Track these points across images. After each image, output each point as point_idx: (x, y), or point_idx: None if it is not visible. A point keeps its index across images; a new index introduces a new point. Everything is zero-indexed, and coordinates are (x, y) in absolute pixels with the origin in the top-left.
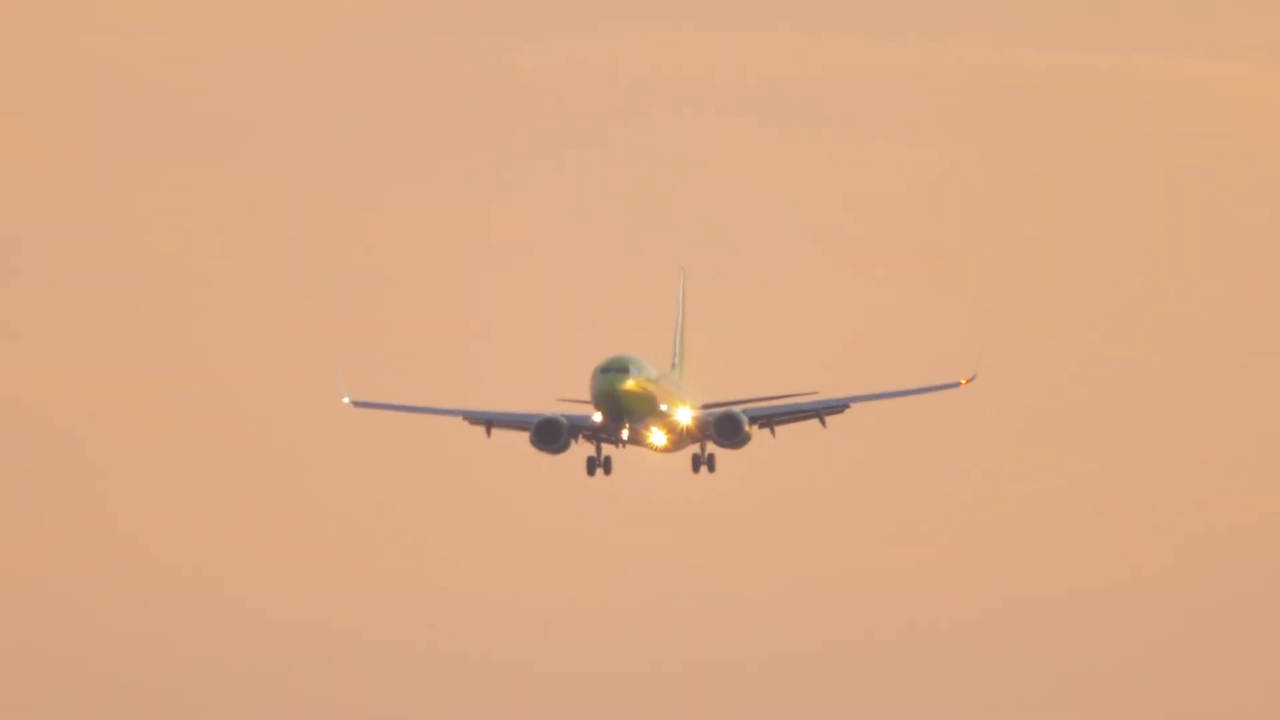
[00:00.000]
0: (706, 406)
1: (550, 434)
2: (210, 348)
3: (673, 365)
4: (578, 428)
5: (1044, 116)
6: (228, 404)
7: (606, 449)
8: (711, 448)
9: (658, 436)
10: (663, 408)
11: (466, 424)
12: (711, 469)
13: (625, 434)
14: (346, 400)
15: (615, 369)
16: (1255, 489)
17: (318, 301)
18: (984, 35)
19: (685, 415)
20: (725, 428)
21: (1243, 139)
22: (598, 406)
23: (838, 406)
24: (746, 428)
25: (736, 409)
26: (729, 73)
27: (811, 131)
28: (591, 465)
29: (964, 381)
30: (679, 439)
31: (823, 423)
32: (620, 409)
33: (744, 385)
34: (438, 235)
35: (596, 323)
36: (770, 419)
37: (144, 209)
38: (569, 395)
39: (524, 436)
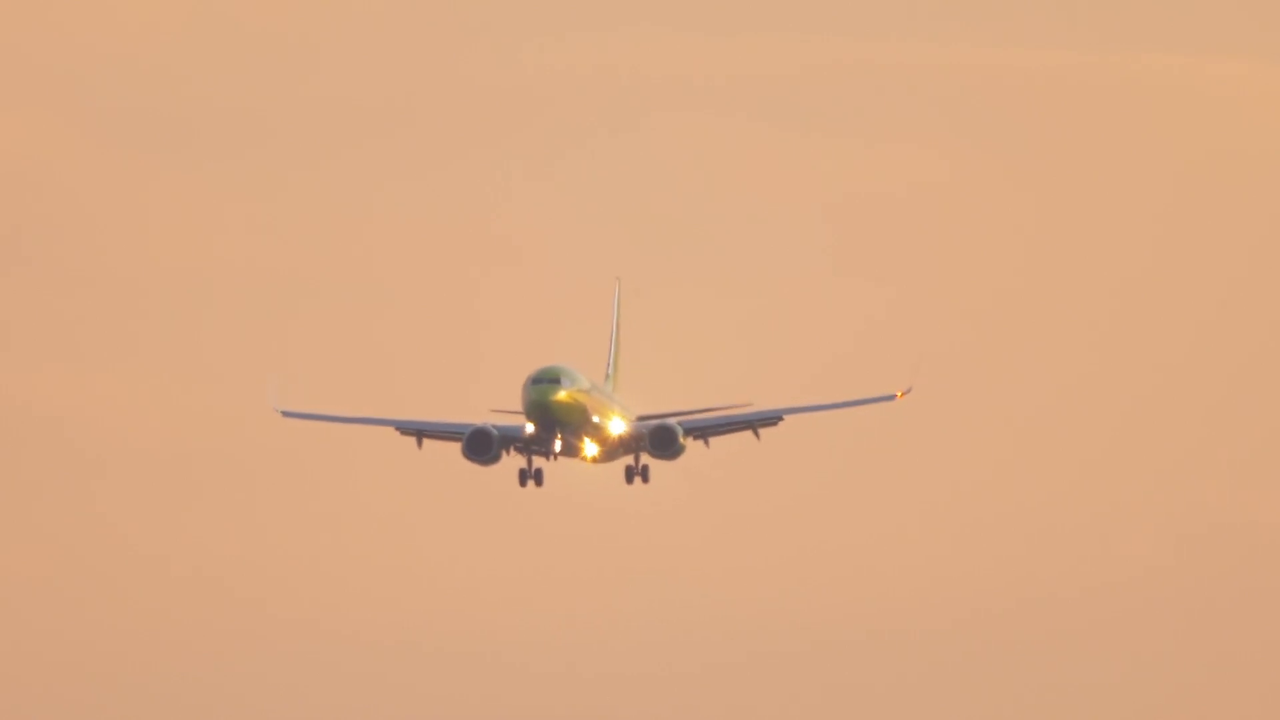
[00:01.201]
0: (641, 418)
1: (481, 445)
2: (141, 354)
3: (607, 376)
4: (509, 439)
5: (1028, 117)
6: (156, 412)
7: (538, 460)
8: (645, 459)
9: (590, 448)
10: (595, 419)
11: (398, 435)
12: (645, 480)
13: (557, 445)
14: (277, 410)
15: (546, 380)
16: (1209, 498)
17: (251, 310)
18: (978, 35)
19: (618, 426)
20: (659, 439)
21: (1243, 139)
22: (529, 418)
23: (771, 419)
24: (681, 439)
25: (671, 420)
26: (695, 73)
27: (765, 135)
28: (523, 477)
29: (899, 394)
30: (612, 450)
31: (756, 435)
32: (552, 420)
33: (679, 396)
34: (371, 245)
35: (532, 332)
36: (704, 431)
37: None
38: (503, 406)
39: (456, 447)
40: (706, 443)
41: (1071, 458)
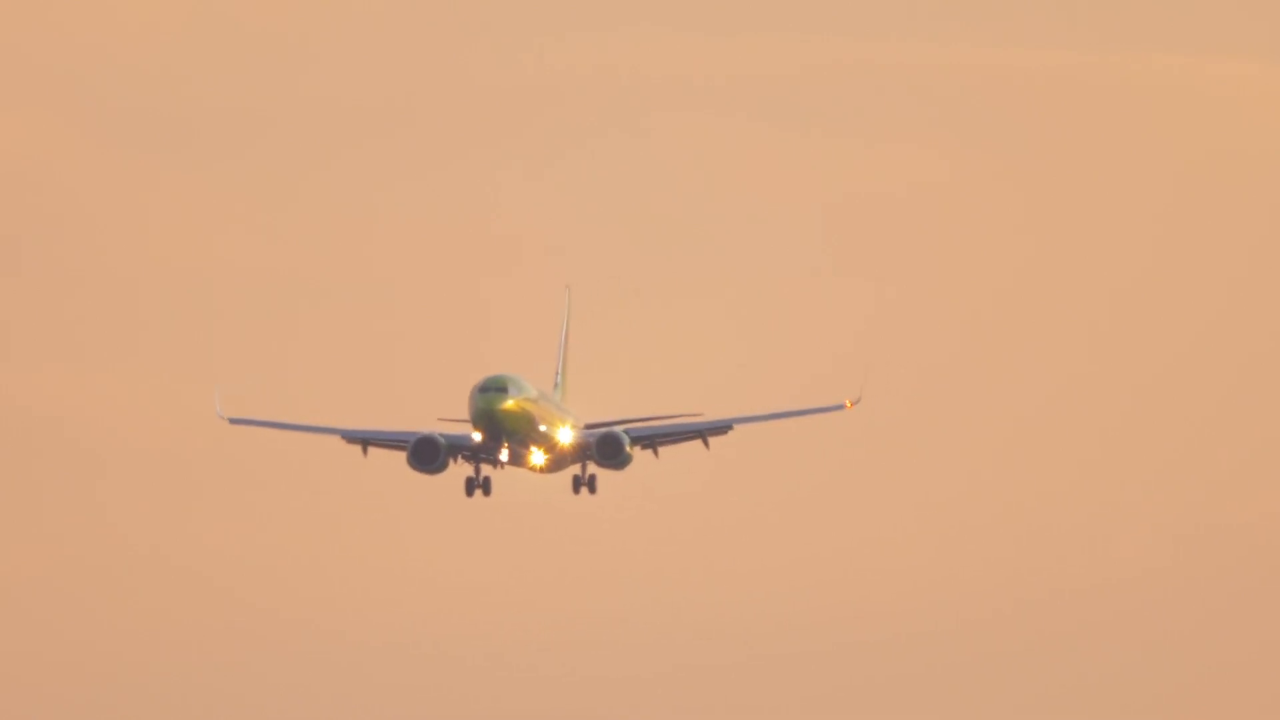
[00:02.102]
0: (589, 426)
1: (428, 454)
2: (91, 358)
3: (555, 384)
4: (456, 448)
5: (1028, 117)
6: (103, 417)
7: (486, 469)
8: (593, 468)
9: (537, 457)
10: (542, 428)
11: (343, 443)
12: (592, 490)
13: (504, 454)
14: (223, 417)
15: (493, 388)
16: (1201, 500)
17: (198, 317)
18: (978, 35)
19: (566, 435)
20: (606, 448)
21: (1243, 139)
22: (476, 426)
23: (721, 428)
24: (628, 448)
25: (618, 429)
26: (695, 73)
27: (764, 135)
28: (470, 486)
29: (849, 404)
30: (559, 459)
31: (706, 444)
32: (499, 429)
33: (629, 404)
34: (319, 252)
35: (480, 340)
36: (653, 439)
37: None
38: (450, 414)
39: (402, 456)
40: (655, 452)
41: (1063, 459)
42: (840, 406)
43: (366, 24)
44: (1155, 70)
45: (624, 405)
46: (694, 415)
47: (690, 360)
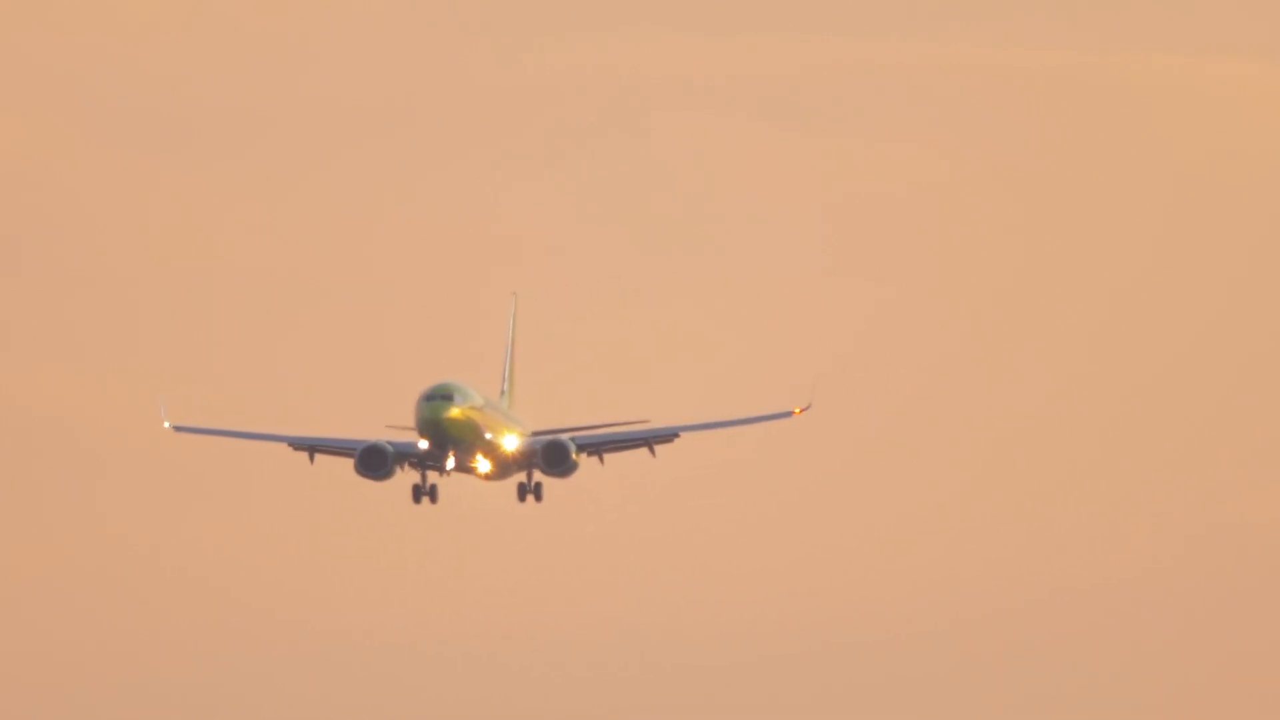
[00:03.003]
0: (535, 434)
1: (375, 461)
2: (34, 364)
3: (502, 392)
4: (403, 455)
5: (1028, 117)
6: (46, 424)
7: (432, 476)
8: (539, 476)
9: (484, 464)
10: (488, 435)
11: (290, 450)
12: (538, 498)
13: (451, 462)
14: (168, 425)
15: (439, 396)
16: (1150, 510)
17: (147, 325)
18: (978, 35)
19: (512, 443)
20: (552, 456)
21: (1243, 139)
22: (422, 434)
23: (667, 435)
24: (573, 456)
25: (564, 437)
26: (695, 73)
27: (765, 135)
28: (417, 493)
29: (797, 411)
30: (506, 467)
31: (652, 452)
32: (445, 437)
33: (577, 412)
34: (268, 257)
35: (429, 348)
36: (599, 447)
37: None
38: (399, 422)
39: (349, 463)
40: (601, 459)
41: (1062, 459)
42: (789, 414)
43: (366, 24)
44: (1155, 70)
45: (575, 412)
46: (641, 423)
47: (645, 367)
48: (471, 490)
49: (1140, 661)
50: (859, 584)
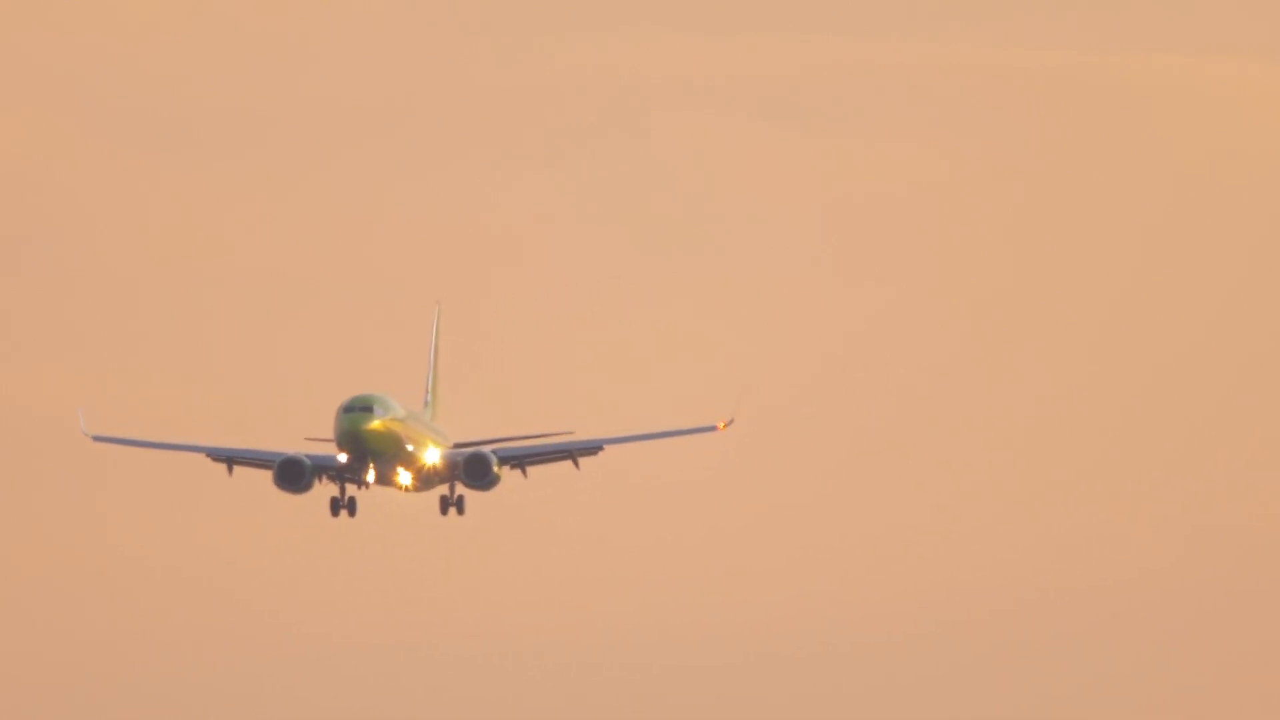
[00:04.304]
0: (458, 445)
1: (293, 474)
2: None
3: (425, 403)
4: (322, 468)
5: (1028, 117)
6: None
7: (351, 489)
8: (461, 489)
9: (405, 477)
10: (409, 448)
11: (209, 461)
12: (460, 511)
13: (371, 475)
14: (87, 435)
15: (359, 408)
16: (1143, 511)
17: (65, 335)
18: (978, 35)
19: (433, 455)
20: (473, 468)
21: (1243, 139)
22: (341, 447)
23: (591, 448)
24: (495, 468)
25: (486, 449)
26: (695, 73)
27: (765, 135)
28: (335, 506)
29: (721, 425)
30: (427, 479)
31: (576, 464)
32: (364, 449)
33: (502, 423)
34: (185, 266)
35: (351, 358)
36: (522, 459)
37: None
38: (318, 434)
39: (268, 475)
40: (524, 472)
41: (1063, 458)
42: (713, 428)
43: (366, 24)
44: (1155, 70)
45: (498, 423)
46: (565, 434)
47: (567, 380)
48: (392, 503)
49: (1129, 662)
50: (782, 597)
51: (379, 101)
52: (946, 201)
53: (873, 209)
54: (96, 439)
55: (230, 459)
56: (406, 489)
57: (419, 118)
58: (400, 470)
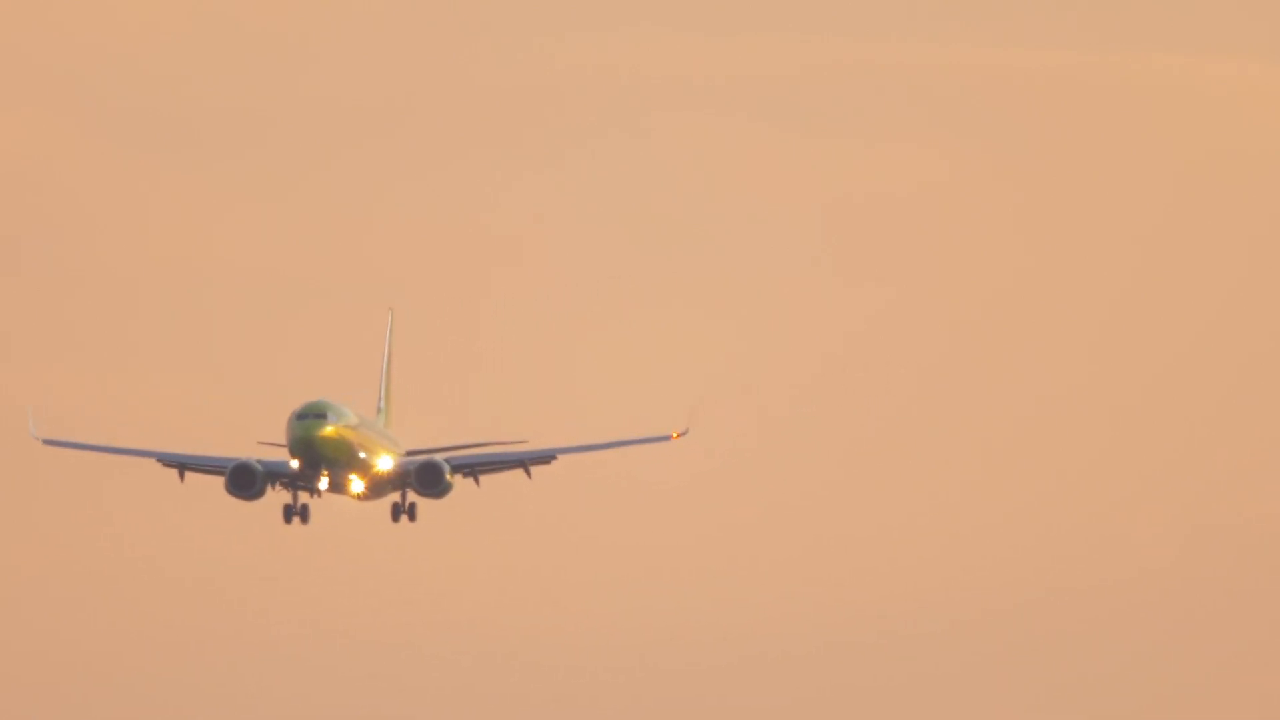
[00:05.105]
0: (410, 453)
1: (245, 480)
2: None
3: (378, 410)
4: (274, 474)
5: (1028, 117)
6: None
7: (304, 496)
8: (413, 496)
9: (357, 484)
10: (362, 455)
11: (160, 467)
12: (412, 518)
13: (323, 482)
14: (37, 437)
15: (312, 415)
16: (1139, 512)
17: (15, 335)
18: (978, 35)
19: (386, 463)
20: (426, 476)
21: (1243, 139)
22: (294, 454)
23: (544, 457)
24: (448, 477)
25: (438, 457)
26: (695, 73)
27: (765, 135)
28: (288, 513)
29: (675, 435)
30: (379, 487)
31: (528, 473)
32: (317, 456)
33: (457, 431)
34: (137, 269)
35: (305, 364)
36: (474, 468)
37: None
38: (272, 439)
39: (219, 481)
40: (476, 480)
41: (1062, 458)
42: (667, 438)
43: (366, 24)
44: (1155, 70)
45: (451, 431)
46: (518, 443)
47: (521, 388)
48: (344, 510)
49: (1128, 662)
50: (737, 606)
51: (379, 102)
52: (947, 201)
53: (873, 209)
54: (46, 442)
55: (182, 465)
56: (359, 496)
57: (418, 117)
58: (353, 477)
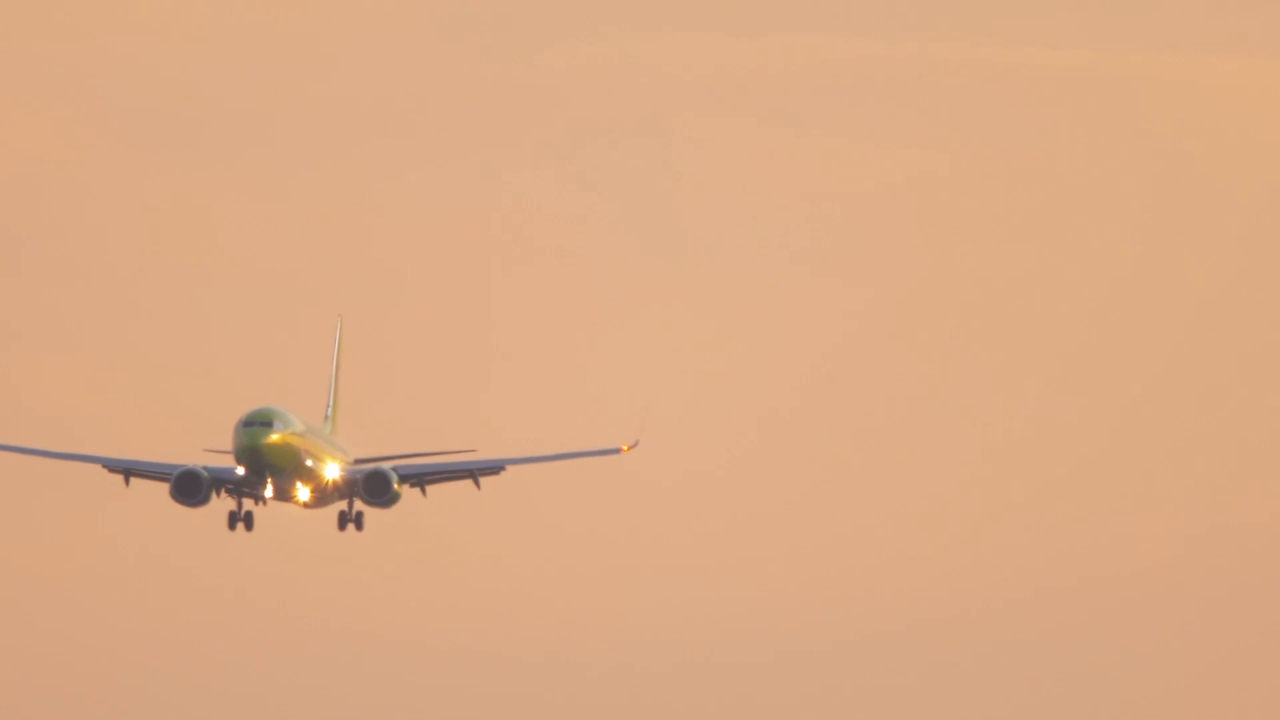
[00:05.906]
0: (359, 461)
1: (190, 487)
2: None
3: (326, 417)
4: (220, 481)
5: (1029, 117)
6: None
7: (249, 503)
8: (360, 505)
9: (303, 492)
10: (309, 463)
11: (105, 472)
12: (359, 527)
13: (269, 489)
14: None
15: (258, 422)
16: (1137, 513)
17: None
18: (978, 35)
19: (333, 471)
20: (373, 485)
21: (1247, 138)
22: (239, 461)
23: (493, 468)
24: (395, 486)
25: (386, 466)
26: (696, 73)
27: (766, 135)
28: (233, 520)
29: (625, 448)
30: (326, 495)
31: (477, 484)
32: (263, 464)
33: (405, 440)
34: (87, 274)
35: (253, 369)
36: (422, 477)
37: None
38: (219, 446)
39: (165, 487)
40: (424, 490)
41: (1063, 457)
42: (617, 450)
43: (371, 25)
44: (1158, 68)
45: (400, 440)
46: (467, 453)
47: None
48: (289, 518)
49: (1129, 662)
50: (687, 617)
51: (379, 101)
52: (947, 201)
53: (873, 209)
54: None
55: (127, 470)
56: (305, 504)
57: (418, 118)
58: (299, 485)
